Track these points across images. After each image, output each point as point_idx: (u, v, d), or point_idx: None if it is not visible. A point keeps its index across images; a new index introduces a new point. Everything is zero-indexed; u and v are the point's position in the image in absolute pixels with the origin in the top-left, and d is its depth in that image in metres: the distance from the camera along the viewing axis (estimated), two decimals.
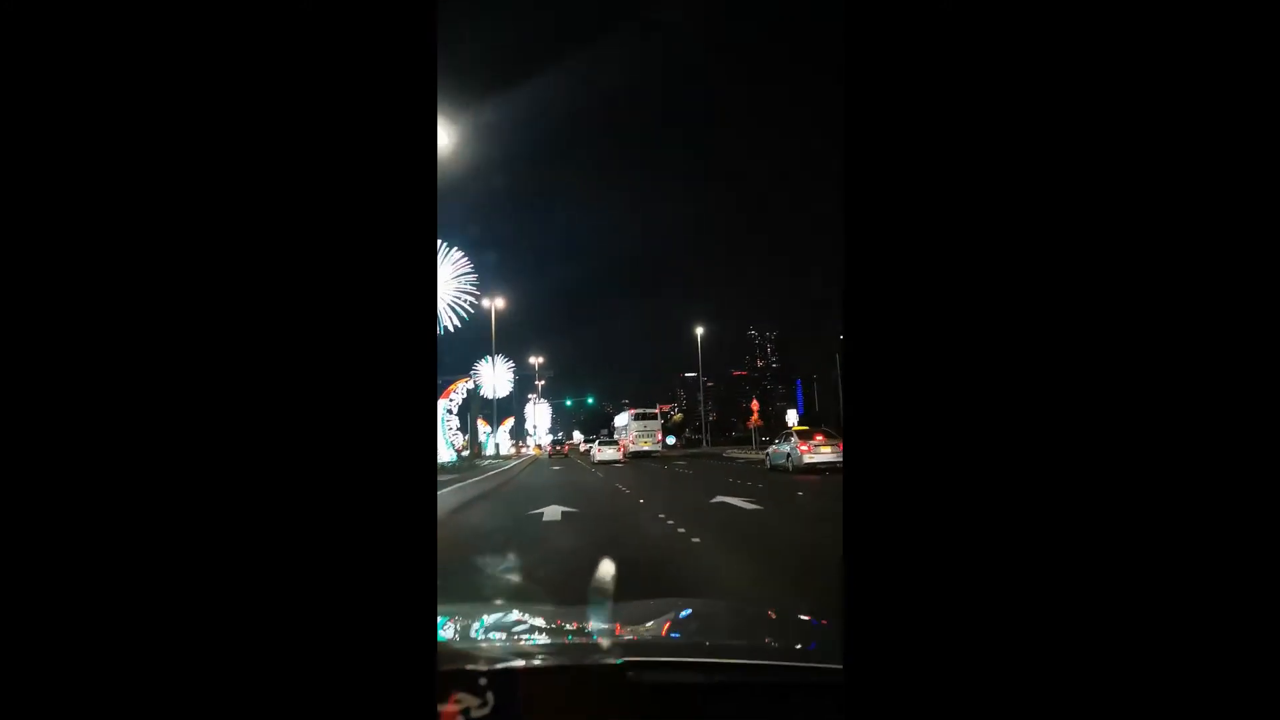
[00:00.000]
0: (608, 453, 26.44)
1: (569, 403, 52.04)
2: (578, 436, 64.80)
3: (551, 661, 0.88)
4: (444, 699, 0.67)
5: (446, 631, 0.98)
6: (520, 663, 0.80)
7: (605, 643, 1.03)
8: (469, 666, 0.75)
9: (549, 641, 1.08)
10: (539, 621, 1.26)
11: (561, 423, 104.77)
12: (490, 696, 0.69)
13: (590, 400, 54.85)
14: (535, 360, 54.13)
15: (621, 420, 40.13)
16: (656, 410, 37.01)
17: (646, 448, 34.00)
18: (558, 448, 49.64)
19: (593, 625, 1.22)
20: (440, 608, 0.68)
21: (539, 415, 60.87)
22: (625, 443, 33.99)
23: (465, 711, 0.68)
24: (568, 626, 1.19)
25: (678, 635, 1.20)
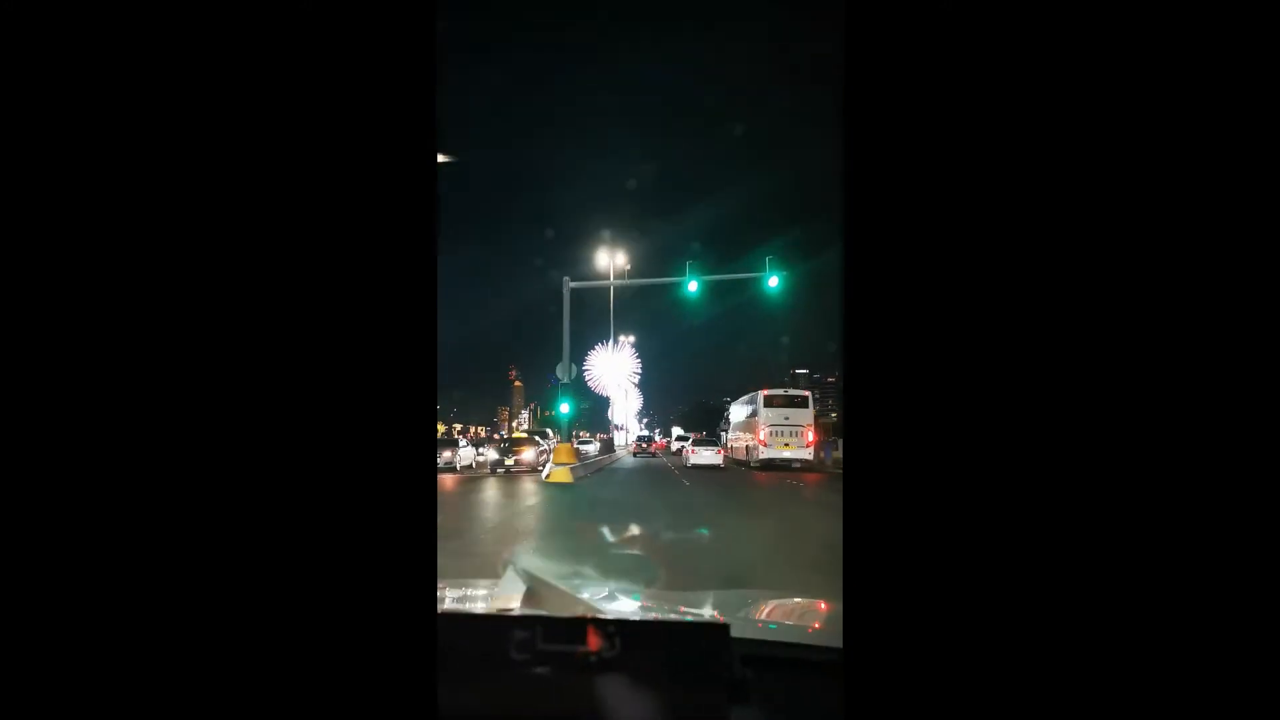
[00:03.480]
0: (704, 455, 21.41)
1: (693, 282, 14.56)
2: (676, 433, 51.63)
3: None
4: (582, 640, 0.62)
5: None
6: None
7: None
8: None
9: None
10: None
11: (658, 415, 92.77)
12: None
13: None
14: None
15: (740, 411, 26.23)
16: (806, 394, 22.76)
17: (788, 453, 20.49)
18: (644, 445, 38.92)
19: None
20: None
21: (622, 407, 47.37)
22: (736, 443, 24.83)
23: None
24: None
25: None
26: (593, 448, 32.44)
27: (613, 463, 24.39)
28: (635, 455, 33.70)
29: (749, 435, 23.11)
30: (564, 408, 15.97)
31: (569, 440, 16.57)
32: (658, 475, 17.60)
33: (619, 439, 54.05)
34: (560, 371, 15.29)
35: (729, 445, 26.72)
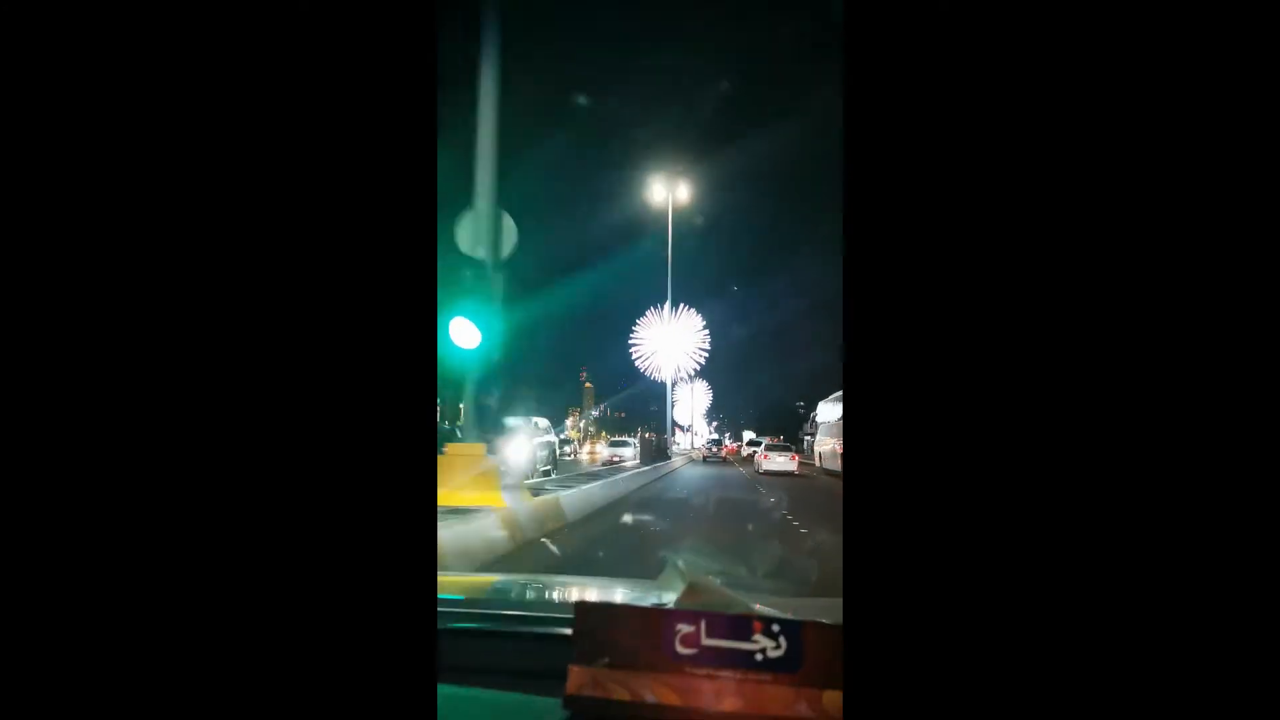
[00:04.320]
0: (777, 461, 18.31)
1: None
2: (748, 437, 45.16)
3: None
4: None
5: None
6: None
7: None
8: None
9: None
10: None
11: (727, 416, 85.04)
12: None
13: None
14: None
15: (833, 410, 19.50)
16: None
17: None
18: (714, 449, 33.13)
19: None
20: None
21: (687, 403, 40.20)
22: (825, 447, 19.31)
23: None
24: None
25: None
26: (628, 451, 23.14)
27: (660, 477, 15.47)
28: (705, 460, 28.49)
29: (840, 441, 16.77)
30: (461, 332, 4.95)
31: (486, 438, 5.86)
32: (735, 507, 9.63)
33: (684, 442, 47.66)
34: (466, 237, 5.25)
35: (817, 452, 20.49)
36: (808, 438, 25.47)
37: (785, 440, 27.48)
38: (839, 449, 17.44)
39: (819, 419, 21.90)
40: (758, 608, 0.72)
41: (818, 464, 20.69)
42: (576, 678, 0.60)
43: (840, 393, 18.48)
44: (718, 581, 0.76)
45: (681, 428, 53.32)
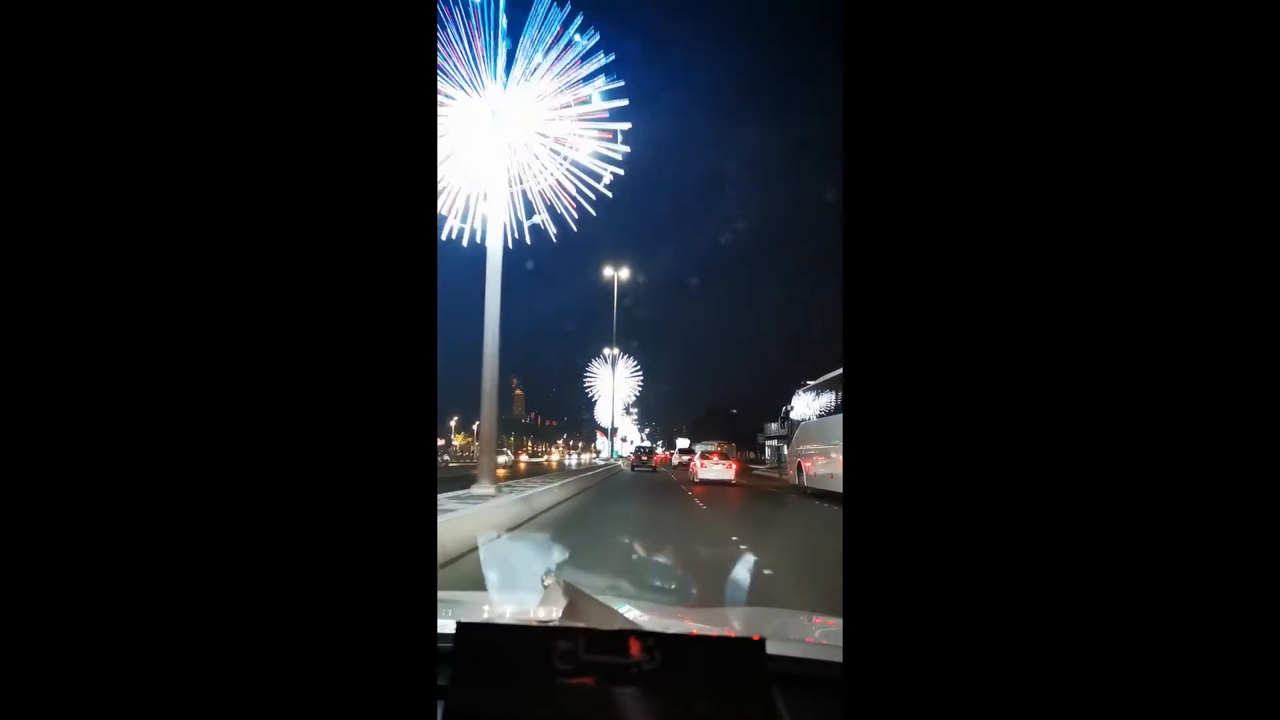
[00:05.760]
0: (713, 470, 17.24)
1: None
2: (681, 445, 39.10)
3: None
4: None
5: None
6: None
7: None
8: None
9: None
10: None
11: (659, 424, 79.23)
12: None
13: None
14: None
15: (815, 403, 13.52)
16: None
17: None
18: (644, 458, 29.75)
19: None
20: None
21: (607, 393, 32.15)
22: (811, 461, 12.95)
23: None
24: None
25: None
26: None
27: None
28: (634, 468, 26.72)
29: (837, 446, 10.98)
30: None
31: None
32: None
33: (604, 449, 40.88)
34: None
35: (798, 465, 14.15)
36: (772, 443, 19.62)
37: (736, 446, 21.86)
38: (830, 462, 11.47)
39: (794, 414, 15.32)
40: (637, 619, 0.72)
41: (793, 478, 14.70)
42: (455, 697, 0.60)
43: (822, 379, 12.38)
44: (599, 598, 0.77)
45: (604, 431, 46.98)
